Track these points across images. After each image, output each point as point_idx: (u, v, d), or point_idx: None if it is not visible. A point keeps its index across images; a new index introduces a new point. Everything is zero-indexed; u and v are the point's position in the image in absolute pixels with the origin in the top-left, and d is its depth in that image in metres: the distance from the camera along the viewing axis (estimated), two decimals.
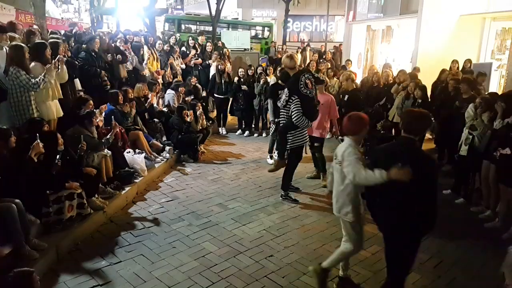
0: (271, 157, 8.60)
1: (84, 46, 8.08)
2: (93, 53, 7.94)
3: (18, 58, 5.62)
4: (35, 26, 9.21)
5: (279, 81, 7.05)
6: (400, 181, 3.34)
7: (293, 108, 6.16)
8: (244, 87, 10.55)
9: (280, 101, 6.42)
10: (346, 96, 8.33)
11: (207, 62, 11.81)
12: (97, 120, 6.69)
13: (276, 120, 8.08)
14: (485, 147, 5.99)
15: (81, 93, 7.40)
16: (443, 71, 10.00)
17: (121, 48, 9.12)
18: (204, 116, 9.62)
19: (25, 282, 3.28)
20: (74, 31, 11.04)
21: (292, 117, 6.20)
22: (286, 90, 6.33)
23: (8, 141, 4.76)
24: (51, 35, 8.21)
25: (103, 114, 7.15)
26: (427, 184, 3.47)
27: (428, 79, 10.10)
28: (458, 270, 4.90)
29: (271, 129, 8.65)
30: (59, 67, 5.98)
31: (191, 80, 10.71)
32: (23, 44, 5.84)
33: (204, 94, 10.89)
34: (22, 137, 5.20)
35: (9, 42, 5.94)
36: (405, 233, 3.64)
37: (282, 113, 6.47)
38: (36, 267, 4.38)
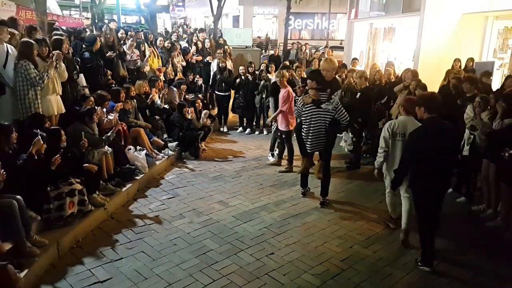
0: (272, 155, 8.60)
1: (84, 46, 8.06)
2: (95, 52, 7.91)
3: (27, 53, 5.68)
4: (56, 24, 9.27)
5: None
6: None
7: (343, 109, 6.13)
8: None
9: (332, 103, 6.04)
10: (359, 94, 8.32)
11: (205, 59, 11.80)
12: (111, 118, 6.70)
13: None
14: (485, 146, 5.94)
15: (86, 90, 7.40)
16: (448, 72, 9.98)
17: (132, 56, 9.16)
18: (207, 113, 9.60)
19: (1, 274, 3.26)
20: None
21: (343, 118, 6.12)
22: (340, 91, 6.33)
23: (9, 137, 4.75)
24: (53, 32, 8.16)
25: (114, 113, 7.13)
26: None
27: (430, 77, 10.08)
28: (458, 269, 4.89)
29: (273, 127, 8.64)
30: (58, 63, 6.01)
31: (189, 76, 10.77)
32: (32, 41, 5.85)
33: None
34: (25, 132, 5.19)
35: (8, 37, 5.94)
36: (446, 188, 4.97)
37: (326, 115, 6.09)
38: (37, 263, 4.41)
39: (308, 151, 6.33)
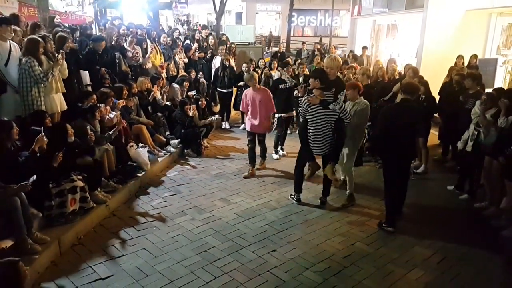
0: (276, 152, 8.55)
1: (90, 43, 8.05)
2: (97, 51, 7.88)
3: (32, 50, 5.68)
4: (57, 19, 9.22)
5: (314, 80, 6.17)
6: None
7: (346, 108, 5.95)
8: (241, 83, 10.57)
9: (338, 103, 5.92)
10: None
11: (207, 56, 11.79)
12: (112, 116, 6.69)
13: (282, 116, 8.06)
14: (492, 145, 5.86)
15: (89, 88, 7.40)
16: (451, 68, 9.91)
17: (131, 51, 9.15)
18: (207, 112, 9.57)
19: (12, 271, 3.28)
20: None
21: (347, 117, 5.89)
22: (345, 91, 6.23)
23: (10, 133, 4.74)
24: (56, 29, 8.17)
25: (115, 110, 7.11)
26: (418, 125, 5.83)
27: (432, 74, 10.03)
28: (461, 266, 4.87)
29: (274, 125, 8.59)
30: (61, 61, 6.00)
31: (191, 74, 10.75)
32: (39, 39, 5.84)
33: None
34: (27, 129, 5.19)
35: (12, 35, 5.93)
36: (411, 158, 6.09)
37: (332, 115, 5.88)
38: (38, 260, 4.41)
39: (316, 153, 6.09)
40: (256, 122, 7.49)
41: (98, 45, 7.87)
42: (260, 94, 7.42)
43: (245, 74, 7.89)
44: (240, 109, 7.98)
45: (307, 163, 6.33)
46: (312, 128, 5.97)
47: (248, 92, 7.55)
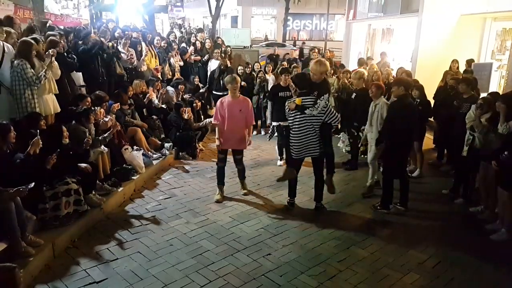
0: (281, 159, 8.39)
1: (80, 42, 8.05)
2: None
3: (25, 52, 5.66)
4: (50, 22, 9.21)
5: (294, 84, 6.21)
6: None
7: (332, 111, 5.86)
8: (242, 83, 10.46)
9: (317, 108, 5.72)
10: (354, 94, 8.24)
11: (203, 59, 11.78)
12: (107, 120, 6.67)
13: (281, 124, 7.69)
14: (494, 151, 5.78)
15: (82, 89, 7.38)
16: (446, 73, 9.93)
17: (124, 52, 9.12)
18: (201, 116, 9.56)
19: (7, 276, 3.27)
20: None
21: (334, 120, 5.83)
22: (327, 95, 6.03)
23: (7, 135, 4.71)
24: (49, 31, 8.15)
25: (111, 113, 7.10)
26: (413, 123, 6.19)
27: (428, 78, 10.07)
28: (456, 270, 4.87)
29: (269, 131, 8.50)
30: (52, 61, 5.99)
31: (194, 80, 10.74)
32: (32, 41, 5.82)
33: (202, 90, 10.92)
34: (21, 131, 5.16)
35: (5, 36, 5.91)
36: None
37: (312, 119, 5.79)
38: (31, 263, 4.38)
39: (293, 156, 6.01)
40: (232, 137, 6.60)
41: (88, 40, 7.88)
42: (240, 102, 6.54)
43: (227, 76, 6.77)
44: (213, 121, 6.87)
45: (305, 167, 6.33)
46: (292, 131, 5.96)
47: (225, 100, 6.57)
